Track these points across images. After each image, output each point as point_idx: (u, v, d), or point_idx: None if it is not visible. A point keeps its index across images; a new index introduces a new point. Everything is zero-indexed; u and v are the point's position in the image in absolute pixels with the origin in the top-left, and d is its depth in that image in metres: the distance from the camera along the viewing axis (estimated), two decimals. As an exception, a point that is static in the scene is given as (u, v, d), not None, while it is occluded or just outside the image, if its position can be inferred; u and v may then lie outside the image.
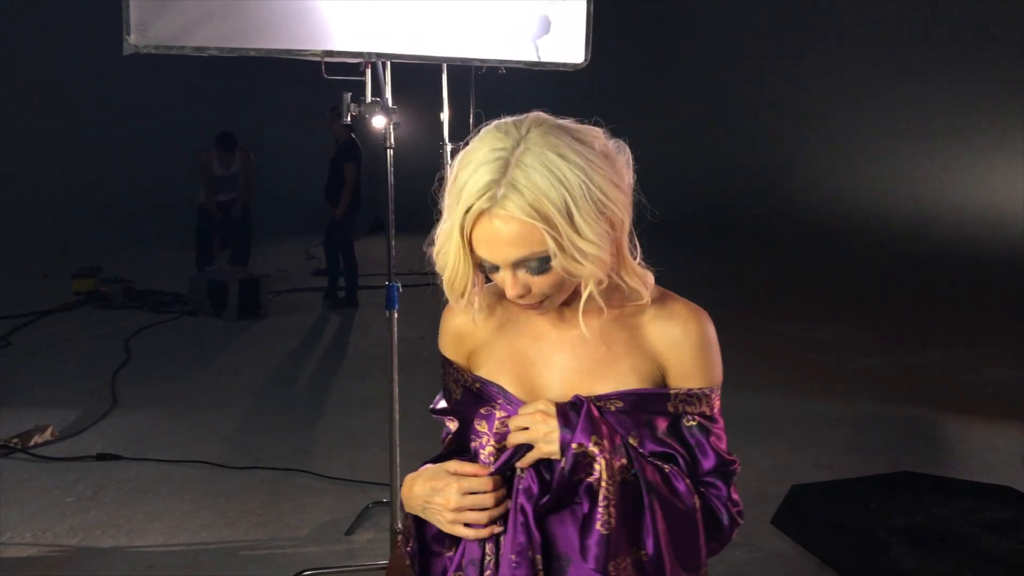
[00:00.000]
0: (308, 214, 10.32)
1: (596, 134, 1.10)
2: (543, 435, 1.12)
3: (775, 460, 4.03)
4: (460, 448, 1.27)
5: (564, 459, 1.10)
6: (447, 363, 1.31)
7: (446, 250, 1.11)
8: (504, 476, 1.17)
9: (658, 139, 10.91)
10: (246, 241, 8.45)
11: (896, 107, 11.60)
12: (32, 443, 4.28)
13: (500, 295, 1.21)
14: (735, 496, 1.21)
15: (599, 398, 1.15)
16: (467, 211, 1.06)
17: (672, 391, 1.17)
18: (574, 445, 1.09)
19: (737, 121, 13.02)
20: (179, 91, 12.88)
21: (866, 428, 4.66)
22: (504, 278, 1.10)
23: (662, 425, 1.17)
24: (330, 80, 2.67)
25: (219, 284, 7.13)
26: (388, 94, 2.71)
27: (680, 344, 1.17)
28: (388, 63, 2.72)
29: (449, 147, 3.17)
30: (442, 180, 1.14)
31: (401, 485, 1.28)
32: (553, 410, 1.12)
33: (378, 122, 2.72)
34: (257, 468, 4.09)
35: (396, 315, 3.00)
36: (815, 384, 5.40)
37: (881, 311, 7.53)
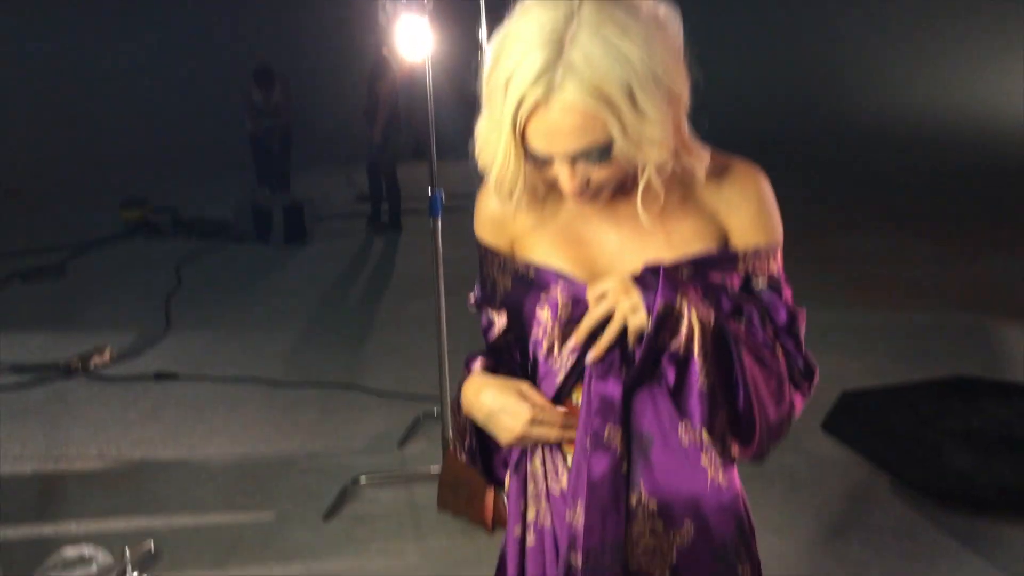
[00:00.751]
0: (350, 139, 10.28)
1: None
2: (628, 308, 1.05)
3: (826, 368, 3.94)
4: (512, 343, 1.23)
5: (651, 325, 1.04)
6: (489, 252, 1.22)
7: (493, 146, 1.02)
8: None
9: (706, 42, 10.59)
10: (287, 168, 8.47)
11: (958, 10, 11.08)
12: (91, 364, 4.40)
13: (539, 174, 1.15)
14: (805, 350, 1.18)
15: (672, 263, 1.09)
16: (519, 103, 0.96)
17: (741, 250, 1.13)
18: (660, 307, 1.03)
19: (789, 28, 12.56)
20: (218, 18, 12.82)
21: (921, 336, 4.58)
22: (560, 172, 1.01)
23: (733, 287, 1.13)
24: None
25: (264, 210, 7.18)
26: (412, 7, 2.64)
27: (738, 203, 1.11)
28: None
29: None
30: (477, 70, 1.03)
31: (459, 390, 1.23)
32: (630, 280, 1.06)
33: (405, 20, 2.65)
34: (309, 385, 4.17)
35: (440, 223, 2.98)
36: (869, 294, 5.30)
37: (939, 221, 7.32)
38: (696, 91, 1.05)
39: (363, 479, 3.15)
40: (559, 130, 0.97)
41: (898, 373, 3.95)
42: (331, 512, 3.01)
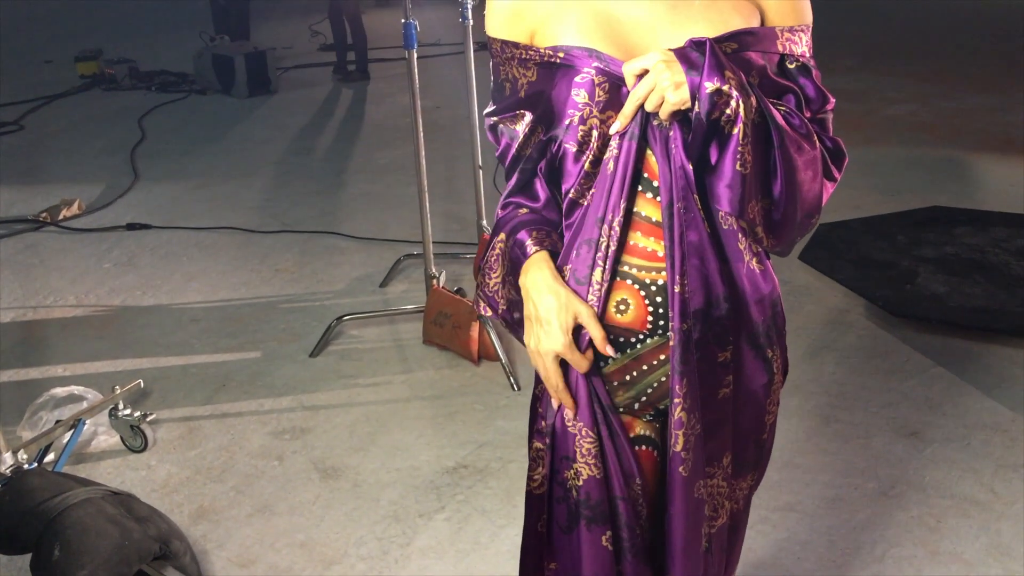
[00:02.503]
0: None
1: None
2: (670, 83, 0.98)
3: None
4: (535, 156, 1.14)
5: (699, 103, 0.98)
6: (507, 46, 1.12)
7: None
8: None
9: None
10: (246, 15, 8.08)
11: None
12: (61, 216, 4.30)
13: None
14: (832, 131, 1.15)
15: (728, 35, 1.03)
16: None
17: (779, 28, 1.09)
18: (707, 84, 0.97)
19: None
20: None
21: (898, 170, 4.59)
22: None
23: (773, 66, 1.09)
24: None
25: (225, 59, 6.88)
26: None
27: None
28: None
29: None
30: None
31: (507, 262, 1.17)
32: (672, 55, 0.99)
33: None
34: (286, 231, 4.12)
35: (415, 55, 2.87)
36: (848, 132, 5.19)
37: (919, 60, 7.22)
38: None
39: (347, 317, 3.16)
40: None
41: (875, 206, 3.98)
42: (318, 349, 3.03)
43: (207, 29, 7.88)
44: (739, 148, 1.00)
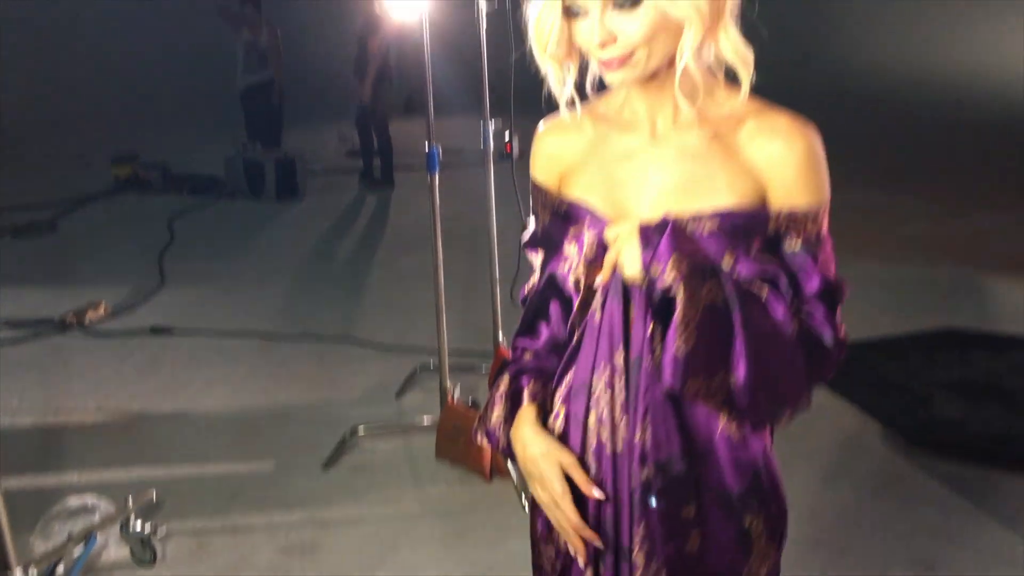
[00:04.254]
0: (339, 93, 10.18)
1: None
2: (626, 257, 1.07)
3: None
4: (550, 294, 1.22)
5: (647, 280, 1.06)
6: (536, 187, 1.24)
7: (534, 9, 1.06)
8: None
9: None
10: (278, 122, 8.38)
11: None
12: (87, 319, 4.40)
13: (595, 113, 1.16)
14: (839, 320, 1.12)
15: (693, 217, 1.07)
16: None
17: (774, 211, 1.08)
18: (653, 266, 1.04)
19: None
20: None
21: (913, 290, 4.62)
22: (590, 24, 1.02)
23: (761, 245, 1.09)
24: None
25: (255, 165, 7.13)
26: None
27: (784, 159, 1.07)
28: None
29: (484, 8, 3.05)
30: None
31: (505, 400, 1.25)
32: (635, 231, 1.07)
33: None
34: (306, 338, 4.19)
35: (436, 178, 2.98)
36: (862, 249, 5.32)
37: (931, 177, 7.33)
38: None
39: (361, 429, 3.18)
40: None
41: (889, 325, 3.99)
42: (330, 461, 3.05)
43: (240, 134, 8.18)
44: (679, 328, 1.04)
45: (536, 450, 1.19)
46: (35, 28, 11.21)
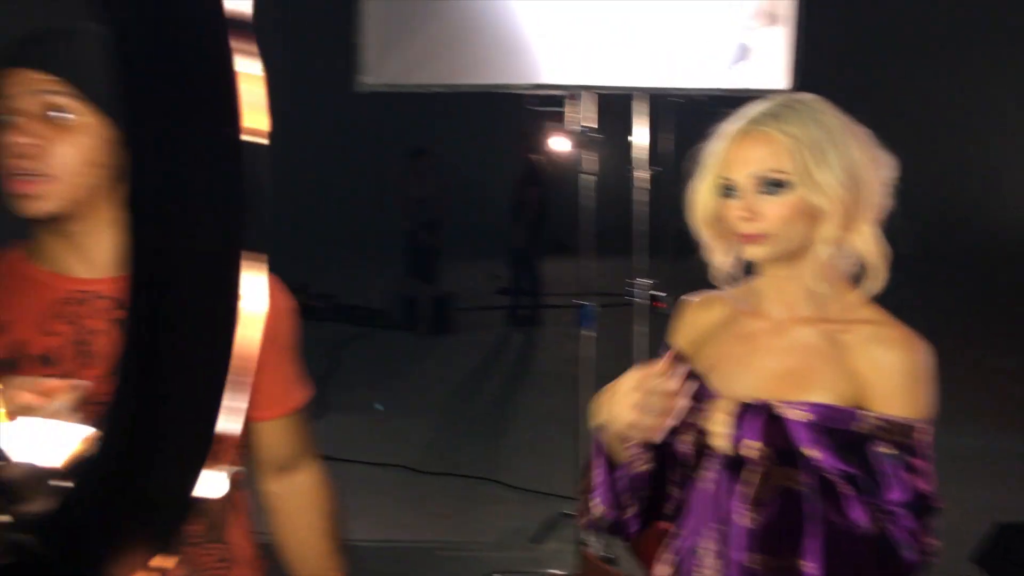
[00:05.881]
0: (493, 235, 10.70)
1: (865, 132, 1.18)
2: (719, 431, 1.17)
3: (978, 499, 3.80)
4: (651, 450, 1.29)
5: (731, 456, 1.16)
6: (673, 350, 1.33)
7: (696, 185, 1.20)
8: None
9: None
10: (435, 261, 8.88)
11: None
12: (253, 439, 4.72)
13: (737, 294, 1.26)
14: (929, 537, 1.12)
15: (789, 404, 1.14)
16: (723, 137, 1.16)
17: (871, 415, 1.12)
18: (740, 443, 1.14)
19: (938, 146, 12.27)
20: (377, 114, 13.73)
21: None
22: (737, 203, 1.14)
23: (850, 444, 1.13)
24: (533, 109, 2.83)
25: (412, 300, 7.57)
26: (588, 123, 2.84)
27: (889, 370, 1.12)
28: (589, 93, 2.86)
29: (641, 174, 3.25)
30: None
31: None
32: (731, 409, 1.17)
33: (577, 149, 2.86)
34: (450, 475, 4.33)
35: (587, 333, 3.12)
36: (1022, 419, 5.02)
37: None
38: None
39: None
40: (745, 153, 1.13)
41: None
42: (467, 605, 3.11)
43: (401, 269, 8.72)
44: (752, 502, 1.12)
45: (615, 385, 1.18)
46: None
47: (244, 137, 0.41)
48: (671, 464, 1.26)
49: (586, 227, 3.14)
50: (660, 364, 1.14)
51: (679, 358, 1.30)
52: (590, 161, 3.02)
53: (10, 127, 1.00)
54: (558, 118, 3.02)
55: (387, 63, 2.50)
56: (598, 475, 1.25)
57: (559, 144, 2.94)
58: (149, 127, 0.40)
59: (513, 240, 7.75)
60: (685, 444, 1.24)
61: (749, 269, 1.25)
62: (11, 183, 1.01)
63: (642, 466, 1.24)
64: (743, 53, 2.76)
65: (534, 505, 3.92)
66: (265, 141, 0.46)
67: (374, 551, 3.55)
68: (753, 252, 1.16)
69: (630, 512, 1.25)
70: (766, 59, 2.66)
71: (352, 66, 2.55)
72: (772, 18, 2.73)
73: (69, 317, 1.07)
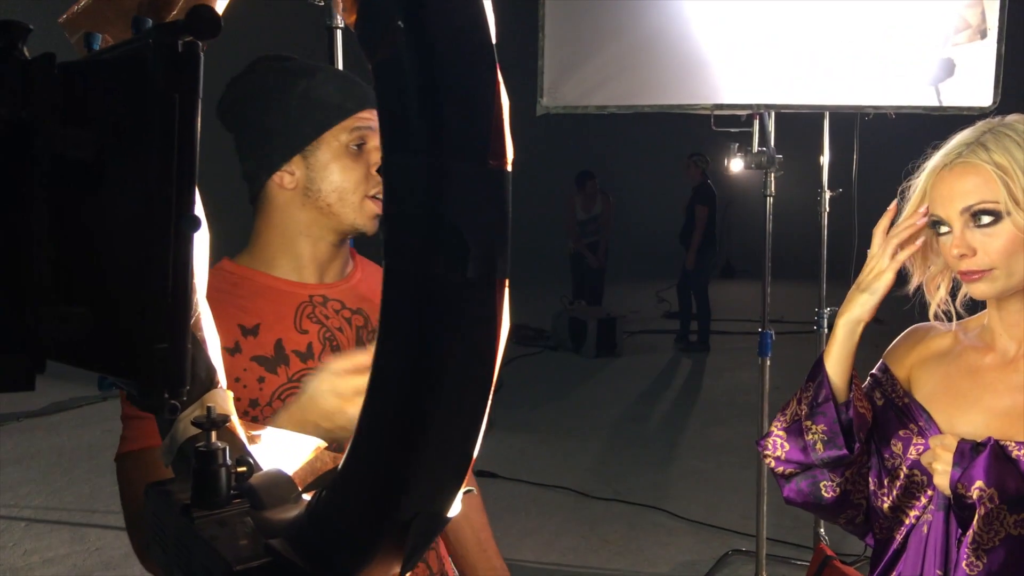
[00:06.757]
0: (661, 257, 10.59)
1: None
2: (938, 467, 1.11)
3: None
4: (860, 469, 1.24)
5: (953, 495, 1.09)
6: (886, 371, 1.28)
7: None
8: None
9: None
10: (601, 283, 8.89)
11: None
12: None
13: (962, 328, 1.22)
14: None
15: (1019, 445, 1.09)
16: (932, 169, 1.13)
17: None
18: (959, 484, 1.07)
19: None
20: (545, 136, 13.95)
21: None
22: (950, 237, 1.11)
23: None
24: (716, 131, 2.78)
25: (579, 322, 7.58)
26: (772, 143, 2.76)
27: None
28: (773, 113, 2.77)
29: (828, 195, 3.14)
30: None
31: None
32: (953, 445, 1.10)
33: (761, 169, 2.78)
34: (617, 501, 4.28)
35: (768, 362, 3.01)
36: None
37: None
38: None
39: (669, 607, 3.16)
40: (952, 188, 1.09)
41: None
42: (636, 635, 3.05)
43: (567, 292, 8.78)
44: (970, 547, 1.06)
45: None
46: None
47: (506, 167, 0.42)
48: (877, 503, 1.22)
49: (767, 251, 3.05)
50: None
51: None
52: (770, 183, 2.93)
53: None
54: (733, 139, 2.95)
55: (566, 86, 2.52)
56: (826, 408, 1.19)
57: (733, 166, 2.87)
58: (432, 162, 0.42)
59: (682, 263, 7.63)
60: (899, 483, 1.19)
61: (972, 306, 1.21)
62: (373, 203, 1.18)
63: (863, 410, 1.21)
64: (949, 70, 2.59)
65: (704, 538, 3.81)
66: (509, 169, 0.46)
67: (542, 574, 3.56)
68: (977, 289, 1.12)
69: (836, 479, 1.21)
70: (971, 75, 2.48)
71: (530, 90, 2.60)
72: (977, 32, 2.55)
73: (314, 317, 1.19)
